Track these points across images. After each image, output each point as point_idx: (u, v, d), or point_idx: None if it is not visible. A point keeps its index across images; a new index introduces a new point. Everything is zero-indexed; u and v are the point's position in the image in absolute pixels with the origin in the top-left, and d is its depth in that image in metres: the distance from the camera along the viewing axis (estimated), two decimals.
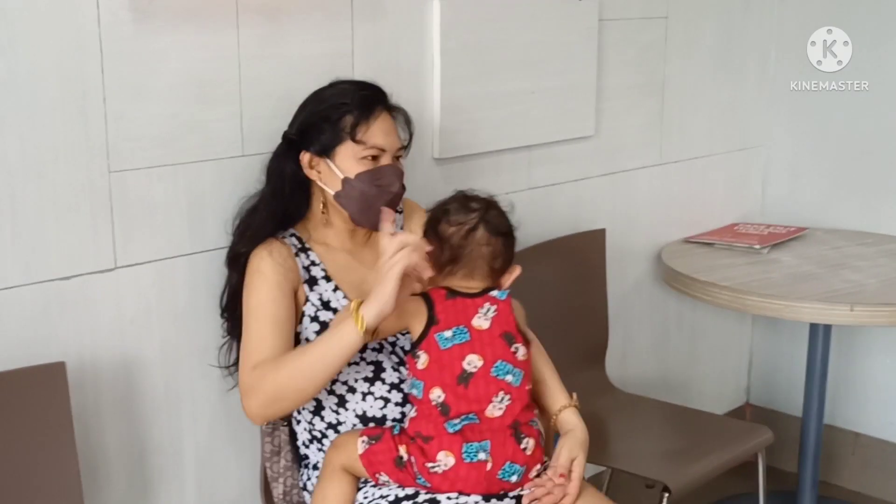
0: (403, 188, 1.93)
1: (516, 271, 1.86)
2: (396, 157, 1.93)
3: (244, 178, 1.98)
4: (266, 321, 1.82)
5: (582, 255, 2.73)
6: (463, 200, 1.86)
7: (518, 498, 1.79)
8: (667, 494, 2.19)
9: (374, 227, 1.87)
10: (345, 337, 1.71)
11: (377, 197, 1.86)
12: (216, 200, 1.96)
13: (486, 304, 1.80)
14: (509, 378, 1.78)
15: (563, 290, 2.67)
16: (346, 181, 1.87)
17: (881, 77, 3.04)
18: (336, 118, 1.87)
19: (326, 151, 1.88)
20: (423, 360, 1.77)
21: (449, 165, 2.39)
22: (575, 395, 1.94)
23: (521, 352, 1.82)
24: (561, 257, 2.67)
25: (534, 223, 2.60)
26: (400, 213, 2.05)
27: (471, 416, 1.75)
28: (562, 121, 2.65)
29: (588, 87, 2.69)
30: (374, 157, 1.88)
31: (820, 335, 2.86)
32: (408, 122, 2.01)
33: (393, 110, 1.95)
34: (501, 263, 1.84)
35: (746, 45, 3.20)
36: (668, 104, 2.98)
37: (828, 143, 3.21)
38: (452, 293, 1.80)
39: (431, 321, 1.77)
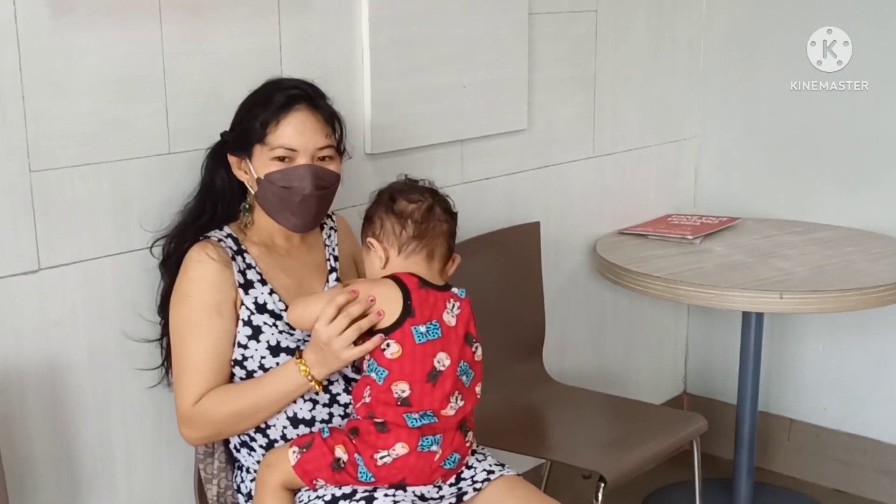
0: (324, 189, 1.85)
1: (457, 260, 1.87)
2: (322, 158, 1.85)
3: (171, 177, 1.96)
4: (203, 348, 1.80)
5: (517, 248, 2.73)
6: (409, 183, 1.87)
7: (458, 494, 1.82)
8: (602, 485, 2.20)
9: (293, 228, 1.88)
10: (291, 386, 1.78)
11: (287, 199, 1.83)
12: (142, 199, 1.93)
13: (451, 300, 1.80)
14: (464, 378, 1.79)
15: (499, 283, 2.68)
16: (259, 182, 1.85)
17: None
18: (251, 118, 1.85)
19: (245, 152, 1.87)
20: (394, 349, 1.73)
21: (381, 161, 2.38)
22: None
23: (479, 351, 1.83)
24: (496, 251, 2.68)
25: (468, 217, 2.58)
26: (333, 220, 2.03)
27: (429, 413, 1.75)
28: (494, 115, 2.65)
29: (520, 81, 2.70)
30: (284, 158, 1.83)
31: (752, 323, 2.90)
32: (338, 120, 1.92)
33: (318, 108, 1.87)
34: (453, 245, 1.85)
35: (677, 38, 3.23)
36: (600, 97, 3.00)
37: (758, 135, 3.25)
38: (423, 282, 1.78)
39: (408, 312, 1.74)
